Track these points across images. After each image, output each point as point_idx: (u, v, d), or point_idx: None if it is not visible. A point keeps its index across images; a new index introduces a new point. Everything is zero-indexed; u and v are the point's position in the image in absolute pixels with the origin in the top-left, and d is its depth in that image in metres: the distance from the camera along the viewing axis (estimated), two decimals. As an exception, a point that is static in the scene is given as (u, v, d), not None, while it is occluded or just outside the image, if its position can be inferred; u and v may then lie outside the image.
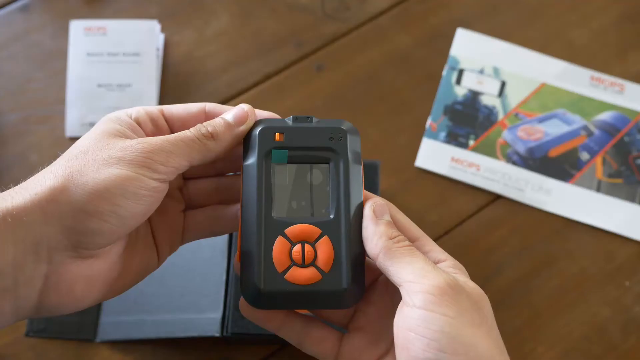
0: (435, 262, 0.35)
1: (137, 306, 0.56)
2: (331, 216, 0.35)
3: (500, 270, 0.61)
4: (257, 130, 0.37)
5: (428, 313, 0.30)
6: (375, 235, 0.34)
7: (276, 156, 0.36)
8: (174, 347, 0.56)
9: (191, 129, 0.35)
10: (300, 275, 0.34)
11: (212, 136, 0.35)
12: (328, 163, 0.36)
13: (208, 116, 0.38)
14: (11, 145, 0.64)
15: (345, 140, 0.36)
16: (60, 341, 0.56)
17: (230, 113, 0.37)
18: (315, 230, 0.35)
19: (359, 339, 0.37)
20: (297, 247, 0.35)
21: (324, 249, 0.35)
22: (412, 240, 0.36)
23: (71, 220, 0.31)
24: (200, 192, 0.40)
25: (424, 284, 0.31)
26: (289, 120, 0.37)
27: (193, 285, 0.56)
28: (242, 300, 0.36)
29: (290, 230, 0.35)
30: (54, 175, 0.32)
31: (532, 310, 0.59)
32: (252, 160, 0.36)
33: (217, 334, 0.52)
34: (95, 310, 0.57)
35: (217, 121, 0.36)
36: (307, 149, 0.36)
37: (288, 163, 0.36)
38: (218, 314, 0.53)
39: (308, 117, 0.37)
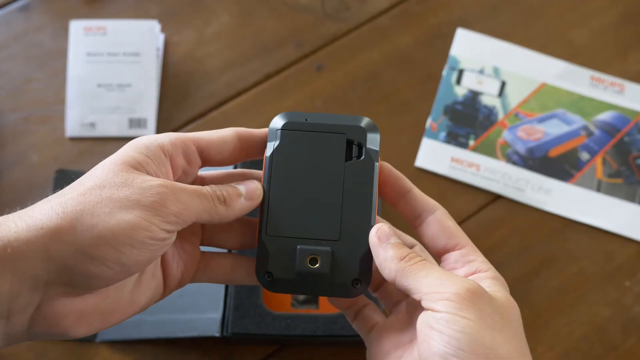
0: (475, 272, 0.36)
1: (137, 306, 0.56)
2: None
3: (500, 270, 0.60)
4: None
5: (449, 315, 0.31)
6: (386, 261, 0.34)
7: None
8: (174, 347, 0.56)
9: (208, 188, 0.35)
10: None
11: (224, 201, 0.35)
12: None
13: (241, 140, 0.37)
14: (11, 145, 0.64)
15: None
16: (60, 341, 0.56)
17: (243, 186, 0.37)
18: None
19: (390, 324, 0.38)
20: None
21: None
22: (459, 248, 0.37)
23: (73, 262, 0.30)
24: (222, 229, 0.39)
25: (442, 293, 0.32)
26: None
27: (193, 285, 0.55)
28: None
29: None
30: (63, 209, 0.31)
31: (532, 310, 0.59)
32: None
33: (217, 334, 0.52)
34: (95, 310, 0.57)
35: (230, 190, 0.36)
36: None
37: None
38: (218, 314, 0.53)
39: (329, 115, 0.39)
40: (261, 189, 0.37)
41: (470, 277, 0.35)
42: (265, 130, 0.38)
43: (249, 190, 0.37)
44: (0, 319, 0.30)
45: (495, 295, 0.34)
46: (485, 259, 0.36)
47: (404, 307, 0.39)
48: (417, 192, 0.38)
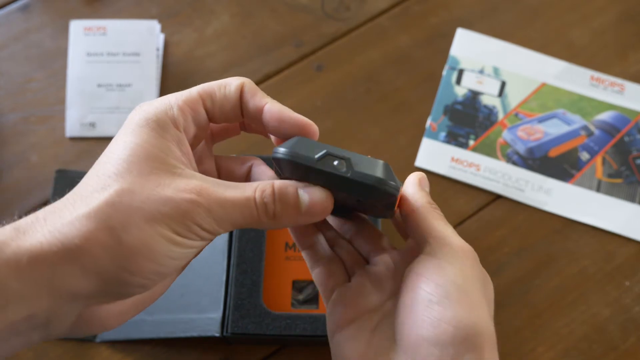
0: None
1: (137, 306, 0.56)
2: None
3: (500, 270, 0.61)
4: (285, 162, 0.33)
5: (445, 263, 0.33)
6: (417, 195, 0.36)
7: None
8: (174, 347, 0.56)
9: (257, 194, 0.31)
10: None
11: (274, 217, 0.32)
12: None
13: (243, 97, 0.35)
14: (11, 145, 0.64)
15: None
16: (60, 341, 0.56)
17: (307, 195, 0.32)
18: None
19: (363, 283, 0.38)
20: None
21: None
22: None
23: (111, 276, 0.29)
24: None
25: (450, 242, 0.34)
26: (323, 152, 0.32)
27: (193, 285, 0.56)
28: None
29: None
30: (92, 222, 0.28)
31: (532, 310, 0.59)
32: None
33: (217, 334, 0.52)
34: (95, 310, 0.57)
35: (289, 200, 0.32)
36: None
37: None
38: (218, 314, 0.53)
39: (344, 158, 0.32)
40: (330, 202, 0.33)
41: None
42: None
43: (314, 206, 0.32)
44: (38, 329, 0.29)
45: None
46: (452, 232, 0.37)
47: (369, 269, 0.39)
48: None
